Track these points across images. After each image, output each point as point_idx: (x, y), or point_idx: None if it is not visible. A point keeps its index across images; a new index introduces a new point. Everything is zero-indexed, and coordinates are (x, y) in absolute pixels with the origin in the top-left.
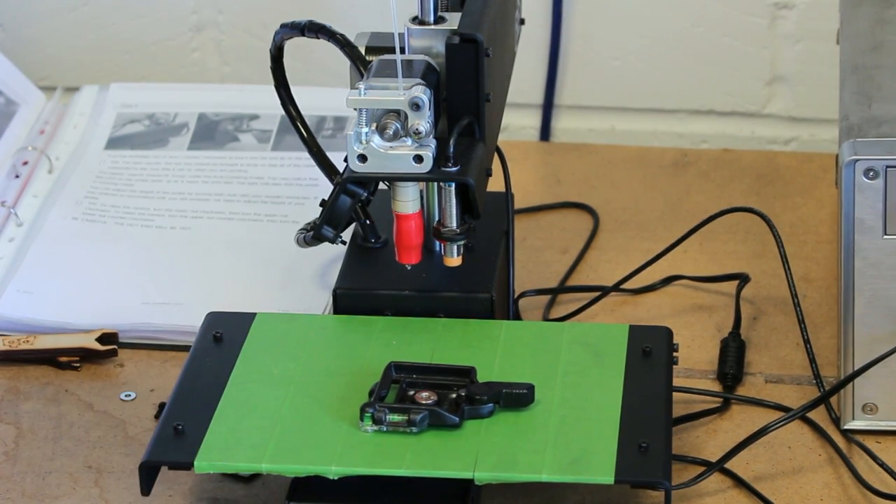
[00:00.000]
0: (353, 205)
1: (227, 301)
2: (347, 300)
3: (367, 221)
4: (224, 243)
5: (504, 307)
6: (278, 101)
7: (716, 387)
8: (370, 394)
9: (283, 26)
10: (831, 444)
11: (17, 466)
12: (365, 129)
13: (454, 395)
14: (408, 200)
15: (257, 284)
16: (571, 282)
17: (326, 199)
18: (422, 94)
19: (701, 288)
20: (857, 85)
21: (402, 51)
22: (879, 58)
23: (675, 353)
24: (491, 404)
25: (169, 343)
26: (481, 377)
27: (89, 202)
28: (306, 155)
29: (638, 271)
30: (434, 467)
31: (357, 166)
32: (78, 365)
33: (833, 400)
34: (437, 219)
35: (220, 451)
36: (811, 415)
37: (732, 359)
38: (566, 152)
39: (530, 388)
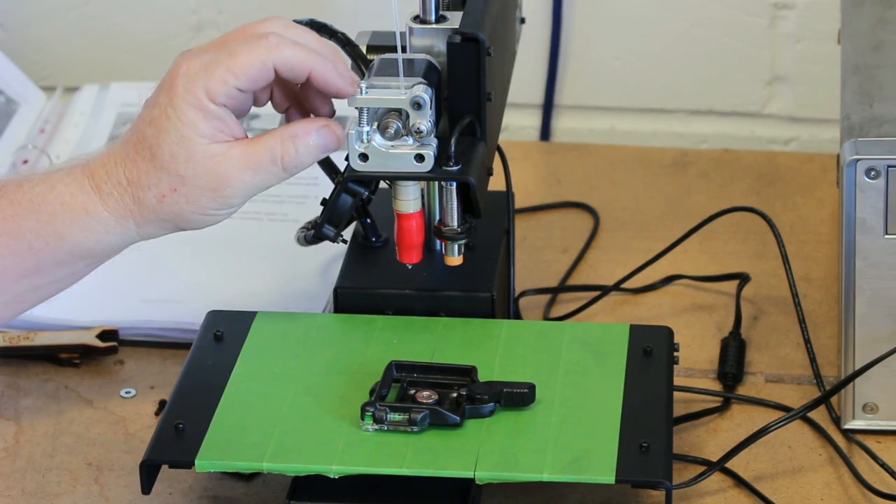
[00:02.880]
0: (354, 203)
1: (227, 299)
2: (348, 299)
3: (368, 220)
4: (225, 241)
5: (504, 306)
6: None
7: (716, 386)
8: (371, 393)
9: None
10: (831, 443)
11: (17, 463)
12: (366, 128)
13: (455, 395)
14: (409, 199)
15: (258, 283)
16: (572, 281)
17: (327, 197)
18: (423, 93)
19: (701, 287)
20: (859, 85)
21: (404, 50)
22: (881, 57)
23: (675, 353)
24: (492, 403)
25: (169, 340)
26: (482, 376)
27: None
28: None
29: (638, 271)
30: (435, 466)
31: (358, 165)
32: (78, 362)
33: (833, 400)
34: (437, 218)
35: (220, 450)
36: (811, 415)
37: (733, 358)
38: (566, 152)
39: (531, 387)
